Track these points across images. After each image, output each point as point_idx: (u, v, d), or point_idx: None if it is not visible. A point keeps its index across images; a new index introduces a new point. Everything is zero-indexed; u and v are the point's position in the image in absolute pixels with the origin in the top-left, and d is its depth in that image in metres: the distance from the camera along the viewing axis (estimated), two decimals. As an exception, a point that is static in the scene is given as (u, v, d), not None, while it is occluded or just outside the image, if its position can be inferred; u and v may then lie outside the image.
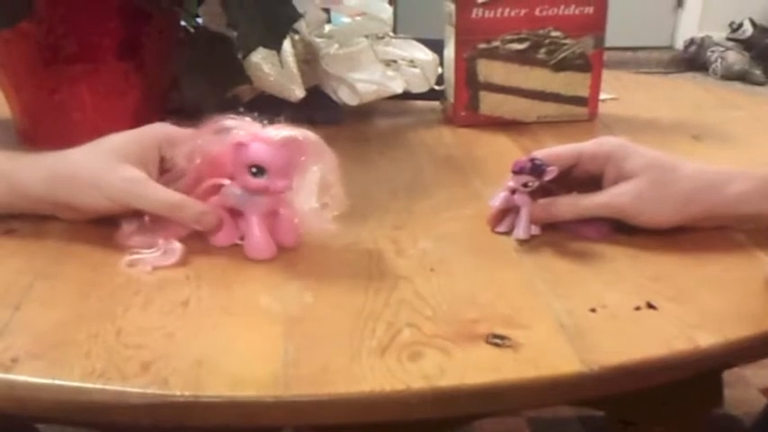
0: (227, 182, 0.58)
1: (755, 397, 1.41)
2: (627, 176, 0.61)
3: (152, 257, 0.56)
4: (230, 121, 0.57)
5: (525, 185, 0.60)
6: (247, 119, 0.57)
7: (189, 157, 0.58)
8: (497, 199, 0.62)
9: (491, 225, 0.63)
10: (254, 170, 0.55)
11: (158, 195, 0.58)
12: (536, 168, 0.60)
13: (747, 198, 0.61)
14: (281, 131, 0.55)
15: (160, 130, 0.62)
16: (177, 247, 0.57)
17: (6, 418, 0.45)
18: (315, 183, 0.58)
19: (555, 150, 0.63)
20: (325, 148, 0.57)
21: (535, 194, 0.61)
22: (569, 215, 0.62)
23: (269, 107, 0.59)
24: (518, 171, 0.60)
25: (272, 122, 0.57)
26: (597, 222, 0.62)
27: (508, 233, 0.62)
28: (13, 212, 0.61)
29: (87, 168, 0.59)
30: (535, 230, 0.61)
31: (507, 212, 0.63)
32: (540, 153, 0.62)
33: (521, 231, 0.61)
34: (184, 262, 0.56)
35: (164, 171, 0.61)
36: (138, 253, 0.57)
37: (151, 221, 0.59)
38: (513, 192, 0.61)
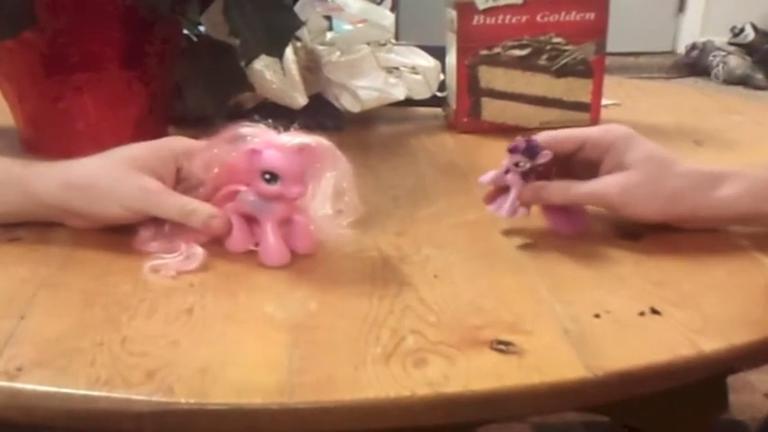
0: (243, 188, 0.58)
1: (761, 402, 1.41)
2: (623, 168, 0.60)
3: (175, 262, 0.57)
4: (245, 128, 0.57)
5: (517, 165, 0.61)
6: (262, 126, 0.57)
7: (206, 167, 0.59)
8: (486, 176, 0.63)
9: (485, 201, 0.64)
10: (267, 177, 0.55)
11: (172, 202, 0.59)
12: (530, 149, 0.60)
13: (734, 200, 0.60)
14: (295, 138, 0.55)
15: (177, 144, 0.62)
16: (199, 251, 0.57)
17: (11, 426, 0.45)
18: (329, 189, 0.58)
19: (558, 134, 0.63)
20: (339, 155, 0.57)
21: (529, 178, 0.62)
22: (558, 200, 0.62)
23: (271, 114, 0.59)
24: (512, 150, 0.61)
25: (286, 129, 0.57)
26: (573, 218, 0.62)
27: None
28: (25, 219, 0.61)
29: (104, 177, 0.59)
30: (522, 212, 0.62)
31: (501, 192, 0.63)
32: (543, 135, 0.62)
33: (505, 210, 0.62)
34: (205, 267, 0.57)
35: (179, 181, 0.61)
36: (160, 258, 0.57)
37: (171, 228, 0.59)
38: (507, 171, 0.62)
